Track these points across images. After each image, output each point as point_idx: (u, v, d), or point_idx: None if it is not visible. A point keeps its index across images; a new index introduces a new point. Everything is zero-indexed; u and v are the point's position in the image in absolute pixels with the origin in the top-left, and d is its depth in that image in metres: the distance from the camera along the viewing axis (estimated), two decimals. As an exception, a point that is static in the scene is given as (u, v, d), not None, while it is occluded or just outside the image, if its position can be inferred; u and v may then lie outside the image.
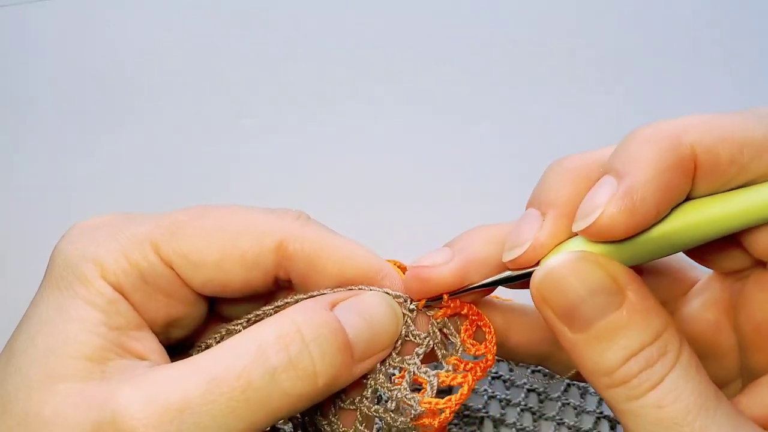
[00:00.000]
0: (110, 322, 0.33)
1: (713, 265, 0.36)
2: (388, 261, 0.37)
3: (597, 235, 0.30)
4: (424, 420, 0.35)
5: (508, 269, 0.34)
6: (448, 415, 0.35)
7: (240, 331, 0.35)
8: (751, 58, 0.64)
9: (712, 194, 0.31)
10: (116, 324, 0.33)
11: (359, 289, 0.36)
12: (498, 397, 0.54)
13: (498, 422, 0.53)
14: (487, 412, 0.54)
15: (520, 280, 0.34)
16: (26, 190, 0.63)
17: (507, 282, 0.34)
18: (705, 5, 0.65)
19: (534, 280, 0.31)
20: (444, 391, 0.36)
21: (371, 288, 0.36)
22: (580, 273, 0.30)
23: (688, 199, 0.31)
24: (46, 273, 0.34)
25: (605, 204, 0.29)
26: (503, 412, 0.54)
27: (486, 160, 0.62)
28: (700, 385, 0.30)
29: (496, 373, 0.54)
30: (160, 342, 0.35)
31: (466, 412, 0.54)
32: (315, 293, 0.36)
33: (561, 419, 0.53)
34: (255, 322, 0.36)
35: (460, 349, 0.37)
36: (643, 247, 0.31)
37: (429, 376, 0.35)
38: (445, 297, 0.36)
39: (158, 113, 0.65)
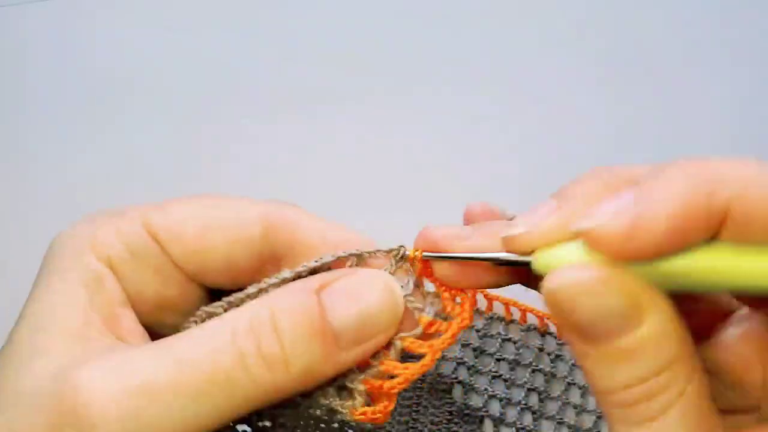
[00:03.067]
0: (96, 299, 0.33)
1: (747, 302, 0.35)
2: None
3: (590, 243, 0.28)
4: (374, 382, 0.33)
5: (501, 251, 0.32)
6: (401, 381, 0.33)
7: (219, 314, 0.34)
8: (751, 58, 0.64)
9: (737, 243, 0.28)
10: (102, 301, 0.33)
11: (353, 261, 0.34)
12: (498, 396, 0.54)
13: (498, 421, 0.53)
14: (487, 411, 0.54)
15: (507, 265, 0.32)
16: (25, 190, 0.63)
17: (493, 261, 0.32)
18: (706, 5, 0.65)
19: (548, 286, 0.29)
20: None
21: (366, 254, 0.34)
22: (597, 294, 0.28)
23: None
24: (45, 256, 0.34)
25: (610, 216, 0.28)
26: (503, 411, 0.54)
27: (486, 161, 0.62)
28: (697, 429, 0.29)
29: (496, 372, 0.54)
30: (153, 326, 0.35)
31: (467, 411, 0.54)
32: (302, 269, 0.34)
33: (561, 418, 0.53)
34: (236, 305, 0.34)
35: (435, 307, 0.35)
36: (653, 275, 0.29)
37: (395, 338, 0.34)
38: (419, 253, 0.34)
39: (157, 113, 0.65)
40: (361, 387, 0.33)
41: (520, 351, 0.55)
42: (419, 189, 0.61)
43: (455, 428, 0.53)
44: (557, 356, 0.55)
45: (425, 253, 0.34)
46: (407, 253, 0.35)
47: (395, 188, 0.61)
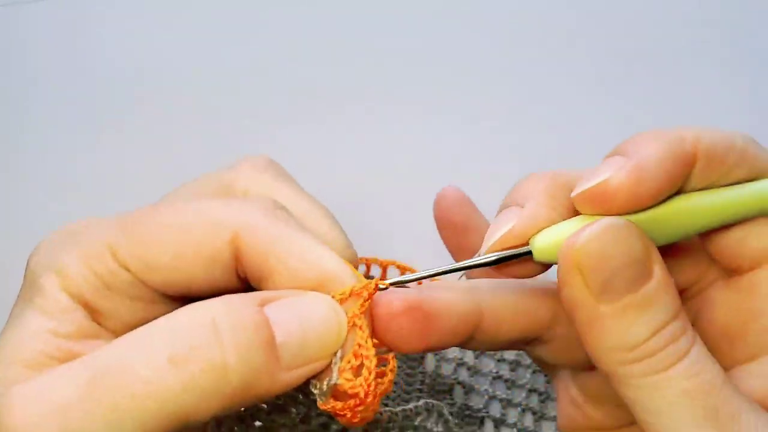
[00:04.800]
0: (59, 329, 0.32)
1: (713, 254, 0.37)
2: (390, 263, 0.35)
3: (598, 200, 0.31)
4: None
5: (488, 253, 0.33)
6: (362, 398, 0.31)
7: None
8: (752, 58, 0.64)
9: (701, 190, 0.33)
10: (66, 332, 0.32)
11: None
12: (499, 397, 0.54)
13: (499, 422, 0.53)
14: (487, 412, 0.54)
15: (507, 260, 0.33)
16: (24, 189, 0.63)
17: (491, 264, 0.33)
18: (707, 4, 0.65)
19: (574, 244, 0.30)
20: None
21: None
22: (623, 242, 0.30)
23: (678, 194, 0.33)
24: (24, 277, 0.34)
25: (613, 171, 0.31)
26: (504, 412, 0.54)
27: (486, 161, 0.62)
28: (715, 361, 0.31)
29: (497, 373, 0.54)
30: None
31: (467, 412, 0.54)
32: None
33: (562, 419, 0.53)
34: None
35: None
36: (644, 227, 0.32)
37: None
38: (376, 283, 0.32)
39: (157, 113, 0.65)
40: (324, 387, 0.31)
41: (521, 352, 0.55)
42: (420, 188, 0.61)
43: (456, 429, 0.53)
44: (558, 357, 0.54)
45: (395, 279, 0.32)
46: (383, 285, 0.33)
47: (396, 188, 0.61)
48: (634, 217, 0.31)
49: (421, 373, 0.54)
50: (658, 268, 0.31)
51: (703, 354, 0.31)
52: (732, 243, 0.35)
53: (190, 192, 0.41)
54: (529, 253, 0.32)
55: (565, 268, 0.31)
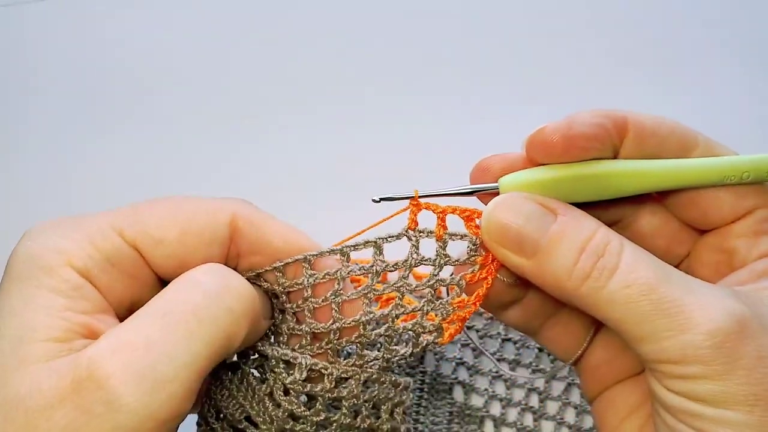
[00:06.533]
0: (75, 306, 0.34)
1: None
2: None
3: (538, 145, 0.36)
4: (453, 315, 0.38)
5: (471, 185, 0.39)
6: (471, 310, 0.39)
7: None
8: (755, 58, 0.64)
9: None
10: (81, 308, 0.34)
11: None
12: (499, 396, 0.54)
13: (498, 421, 0.54)
14: (487, 412, 0.54)
15: (480, 192, 0.39)
16: (25, 190, 0.63)
17: (469, 194, 0.39)
18: (709, 4, 0.65)
19: (482, 229, 0.37)
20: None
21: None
22: (512, 207, 0.36)
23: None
24: (6, 271, 0.35)
25: (551, 123, 0.36)
26: (504, 411, 0.54)
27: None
28: (651, 259, 0.35)
29: (497, 372, 0.55)
30: None
31: (467, 412, 0.54)
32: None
33: (561, 419, 0.53)
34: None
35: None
36: (574, 185, 0.37)
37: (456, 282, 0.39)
38: (416, 192, 0.39)
39: (157, 113, 0.65)
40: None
41: (520, 351, 0.55)
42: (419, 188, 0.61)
43: (456, 428, 0.53)
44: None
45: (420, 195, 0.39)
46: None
47: (396, 188, 0.61)
48: (571, 170, 0.37)
49: (421, 372, 0.55)
50: (561, 209, 0.36)
51: (633, 257, 0.34)
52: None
53: None
54: (497, 189, 0.38)
55: (491, 248, 0.37)
